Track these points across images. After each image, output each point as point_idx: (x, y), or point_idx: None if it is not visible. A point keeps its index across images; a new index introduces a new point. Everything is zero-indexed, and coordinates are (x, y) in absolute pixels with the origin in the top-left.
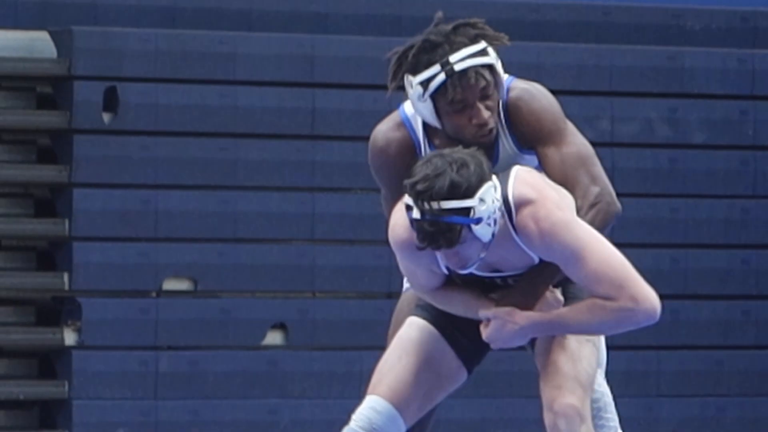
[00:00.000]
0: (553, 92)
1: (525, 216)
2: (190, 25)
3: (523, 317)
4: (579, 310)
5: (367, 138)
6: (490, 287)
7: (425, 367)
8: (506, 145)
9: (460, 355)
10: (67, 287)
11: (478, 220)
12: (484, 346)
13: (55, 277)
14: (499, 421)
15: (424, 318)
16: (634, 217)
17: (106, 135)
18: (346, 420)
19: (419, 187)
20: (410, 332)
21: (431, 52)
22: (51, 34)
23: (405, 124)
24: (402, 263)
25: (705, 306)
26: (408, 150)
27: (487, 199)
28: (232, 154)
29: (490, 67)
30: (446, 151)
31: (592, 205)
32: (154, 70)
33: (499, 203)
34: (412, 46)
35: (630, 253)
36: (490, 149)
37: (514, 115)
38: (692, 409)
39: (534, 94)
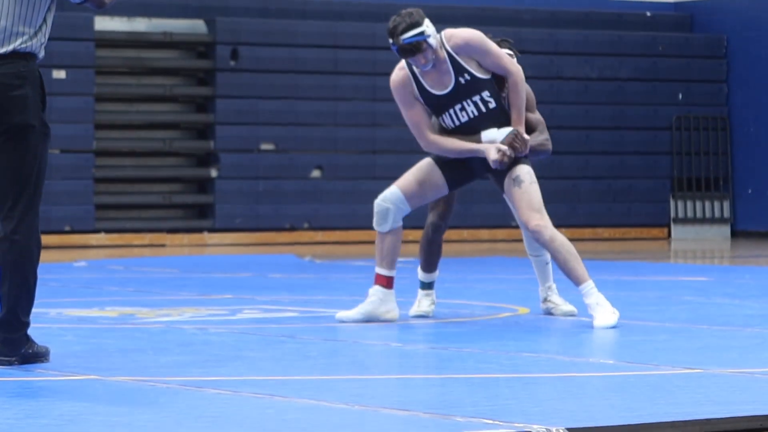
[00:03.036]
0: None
1: (452, 38)
2: (272, 16)
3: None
4: (514, 97)
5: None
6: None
7: (425, 179)
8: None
9: (446, 178)
10: (212, 147)
11: (429, 36)
12: (461, 180)
13: (206, 142)
14: None
15: (433, 159)
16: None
17: (231, 71)
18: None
19: (391, 29)
20: (423, 163)
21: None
22: (205, 21)
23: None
24: (403, 112)
25: None
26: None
27: (429, 25)
28: (290, 80)
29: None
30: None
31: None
32: (254, 39)
33: (434, 30)
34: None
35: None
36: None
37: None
38: None
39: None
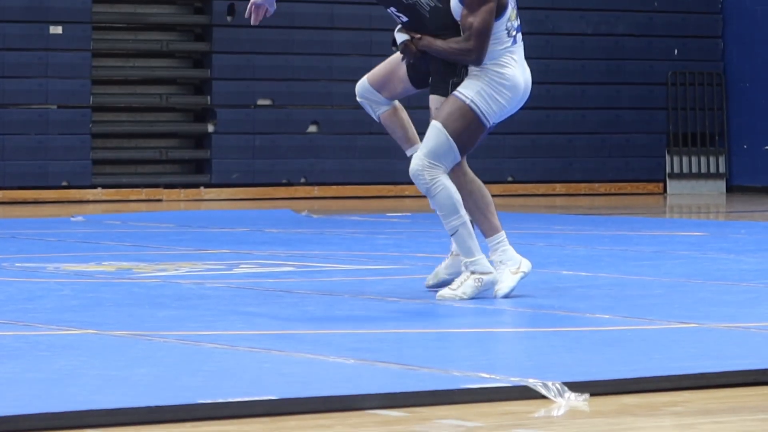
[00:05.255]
0: None
1: None
2: None
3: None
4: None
5: None
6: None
7: (392, 71)
8: None
9: (410, 75)
10: (209, 102)
11: None
12: (423, 79)
13: (203, 98)
14: None
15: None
16: None
17: (228, 27)
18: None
19: None
20: (394, 56)
21: None
22: None
23: None
24: None
25: None
26: None
27: None
28: (286, 35)
29: None
30: None
31: None
32: None
33: None
34: None
35: None
36: None
37: None
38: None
39: None
